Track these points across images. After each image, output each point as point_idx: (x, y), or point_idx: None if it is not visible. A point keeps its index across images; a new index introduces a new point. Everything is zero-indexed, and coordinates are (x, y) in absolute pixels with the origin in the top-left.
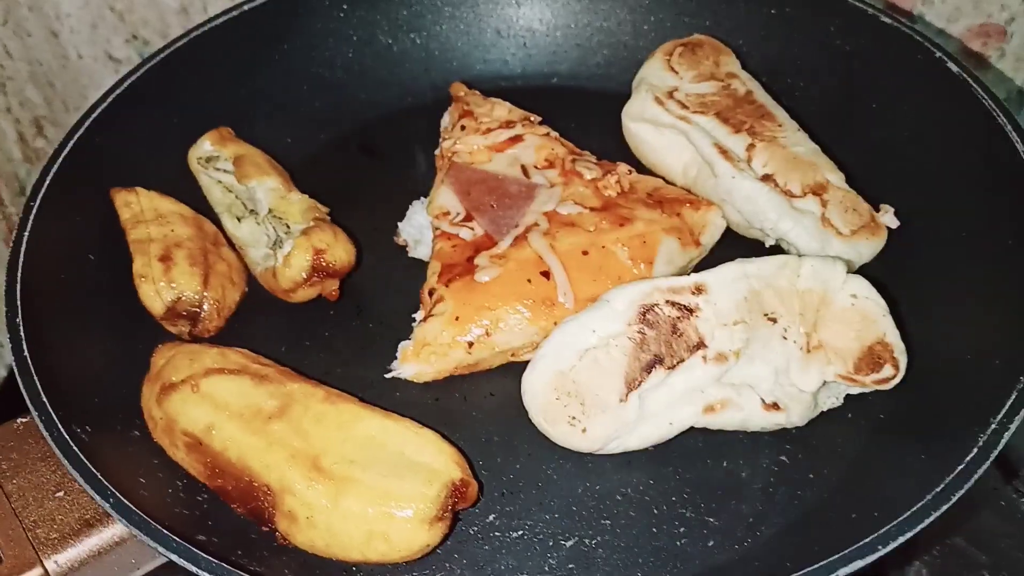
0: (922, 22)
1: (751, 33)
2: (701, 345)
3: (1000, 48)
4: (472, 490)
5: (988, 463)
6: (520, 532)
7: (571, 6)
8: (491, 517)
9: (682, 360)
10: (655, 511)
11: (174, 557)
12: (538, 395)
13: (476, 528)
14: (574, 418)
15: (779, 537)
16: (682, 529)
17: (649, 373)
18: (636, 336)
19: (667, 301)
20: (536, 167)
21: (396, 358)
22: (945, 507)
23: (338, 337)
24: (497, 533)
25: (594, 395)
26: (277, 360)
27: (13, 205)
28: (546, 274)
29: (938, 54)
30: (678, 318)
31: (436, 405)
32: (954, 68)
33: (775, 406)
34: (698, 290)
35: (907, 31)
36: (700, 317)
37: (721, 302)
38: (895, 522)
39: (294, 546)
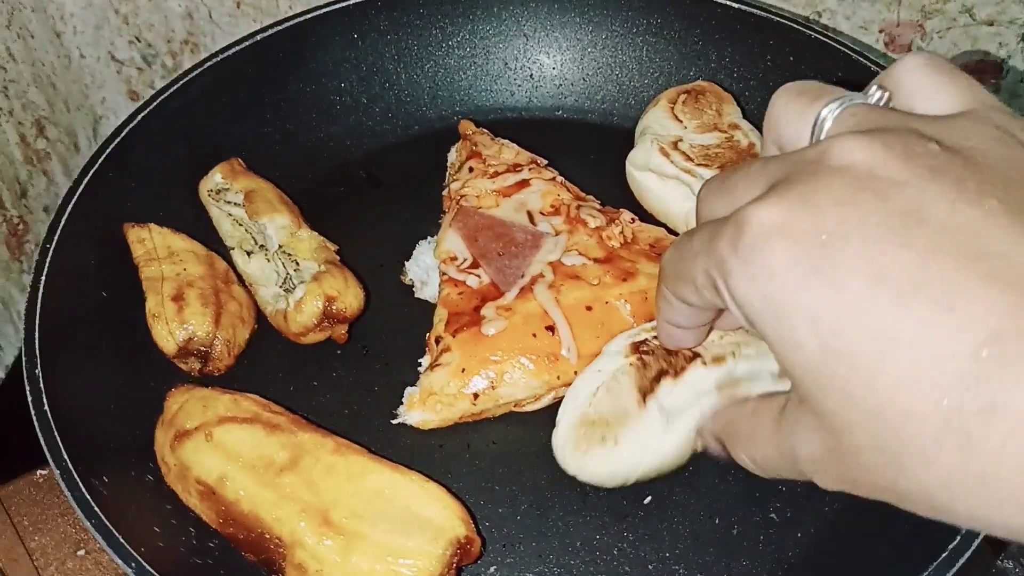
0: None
1: (754, 77)
2: (696, 356)
3: (995, 84)
4: (475, 547)
5: (972, 549)
6: None
7: (579, 41)
8: (492, 569)
9: (684, 368)
10: (649, 567)
11: None
12: (567, 439)
13: None
14: (603, 438)
15: None
16: None
17: (659, 383)
18: (637, 363)
19: (654, 336)
20: (542, 213)
21: (402, 403)
22: None
23: (345, 378)
24: None
25: (615, 413)
26: (285, 401)
27: (14, 208)
28: (551, 328)
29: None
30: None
31: (441, 452)
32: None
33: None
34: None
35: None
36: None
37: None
38: None
39: None
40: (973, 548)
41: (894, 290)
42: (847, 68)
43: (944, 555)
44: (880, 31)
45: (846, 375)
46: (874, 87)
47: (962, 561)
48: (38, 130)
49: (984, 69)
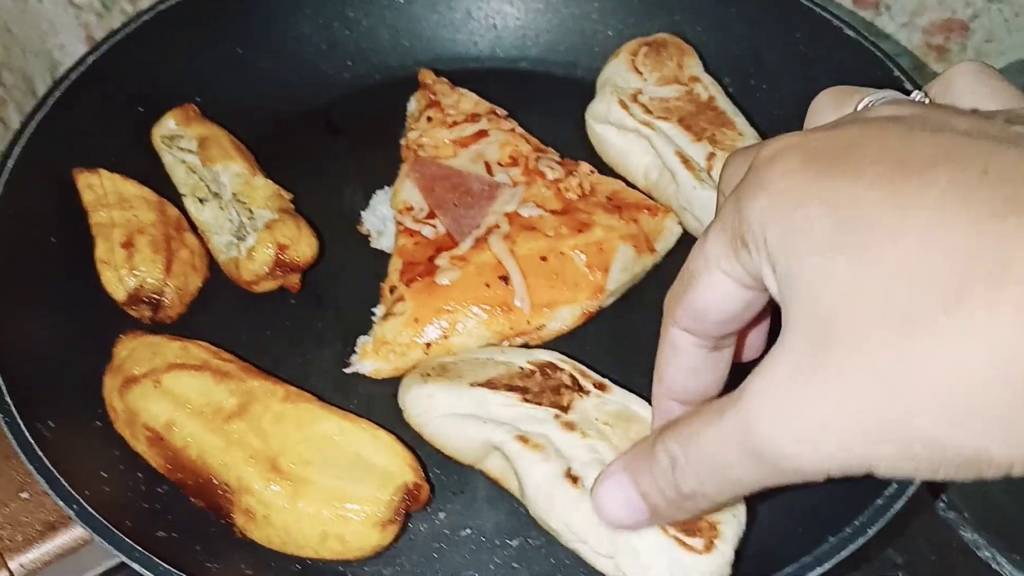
0: (888, 14)
1: (717, 31)
2: (562, 409)
3: (962, 43)
4: (424, 493)
5: (906, 496)
6: (468, 531)
7: None
8: (441, 515)
9: (539, 402)
10: None
11: (136, 566)
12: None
13: (426, 526)
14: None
15: None
16: None
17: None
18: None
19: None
20: (500, 164)
21: (355, 352)
22: (862, 540)
23: (298, 327)
24: (446, 531)
25: None
26: (237, 350)
27: None
28: (504, 279)
29: (896, 72)
30: (567, 385)
31: (393, 401)
32: (909, 88)
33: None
34: (600, 387)
35: (869, 46)
36: (584, 400)
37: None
38: (813, 554)
39: (251, 541)
40: (906, 497)
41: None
42: (812, 23)
43: (880, 501)
44: None
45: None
46: (918, 92)
47: (897, 506)
48: None
49: (950, 28)
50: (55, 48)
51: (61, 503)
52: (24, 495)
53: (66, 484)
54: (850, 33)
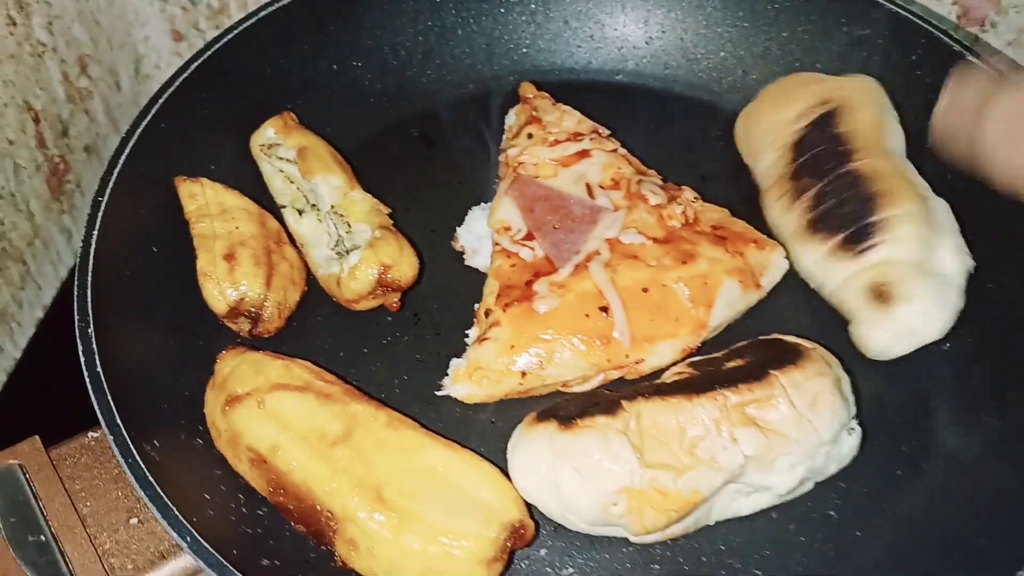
0: (993, 31)
1: (828, 52)
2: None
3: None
4: (529, 532)
5: None
6: (570, 570)
7: (643, 2)
8: (543, 552)
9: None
10: (703, 559)
11: None
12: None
13: (528, 562)
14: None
15: None
16: None
17: None
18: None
19: None
20: (601, 186)
21: (447, 375)
22: None
23: (396, 345)
24: (548, 570)
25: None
26: (335, 367)
27: (55, 147)
28: (604, 309)
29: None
30: None
31: (493, 428)
32: None
33: None
34: None
35: (978, 62)
36: None
37: None
38: None
39: (352, 570)
40: None
41: None
42: (928, 45)
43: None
44: (953, 3)
45: None
46: None
47: None
48: (81, 68)
49: None
50: (139, 41)
51: (174, 535)
52: (133, 521)
53: (177, 512)
54: (971, 59)
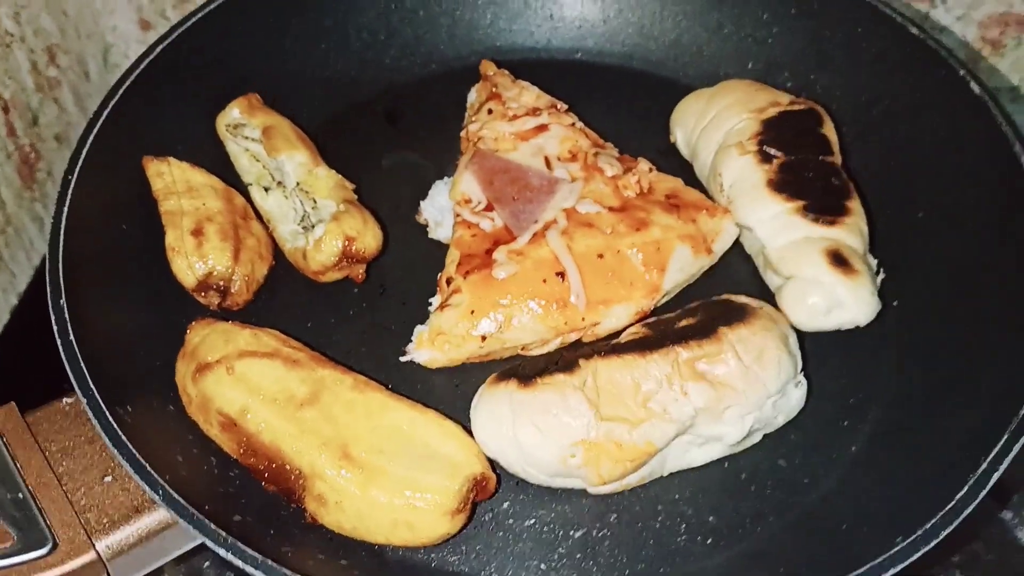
0: (943, 7)
1: (778, 25)
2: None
3: (1018, 37)
4: (491, 483)
5: (977, 501)
6: (532, 521)
7: None
8: (505, 505)
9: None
10: (659, 507)
11: (221, 551)
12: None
13: (491, 515)
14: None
15: (775, 538)
16: (683, 526)
17: None
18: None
19: None
20: (559, 159)
21: (412, 341)
22: (934, 542)
23: (362, 316)
24: (511, 521)
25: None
26: (303, 337)
27: (26, 136)
28: (561, 275)
29: (962, 72)
30: None
31: (456, 391)
32: (976, 89)
33: None
34: None
35: (933, 45)
36: None
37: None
38: (886, 555)
39: (322, 526)
40: (977, 501)
41: None
42: (871, 17)
43: (949, 506)
44: None
45: None
46: None
47: (966, 512)
48: (49, 57)
49: (1006, 22)
50: (108, 31)
51: (147, 488)
52: (107, 479)
53: (151, 469)
54: (914, 31)
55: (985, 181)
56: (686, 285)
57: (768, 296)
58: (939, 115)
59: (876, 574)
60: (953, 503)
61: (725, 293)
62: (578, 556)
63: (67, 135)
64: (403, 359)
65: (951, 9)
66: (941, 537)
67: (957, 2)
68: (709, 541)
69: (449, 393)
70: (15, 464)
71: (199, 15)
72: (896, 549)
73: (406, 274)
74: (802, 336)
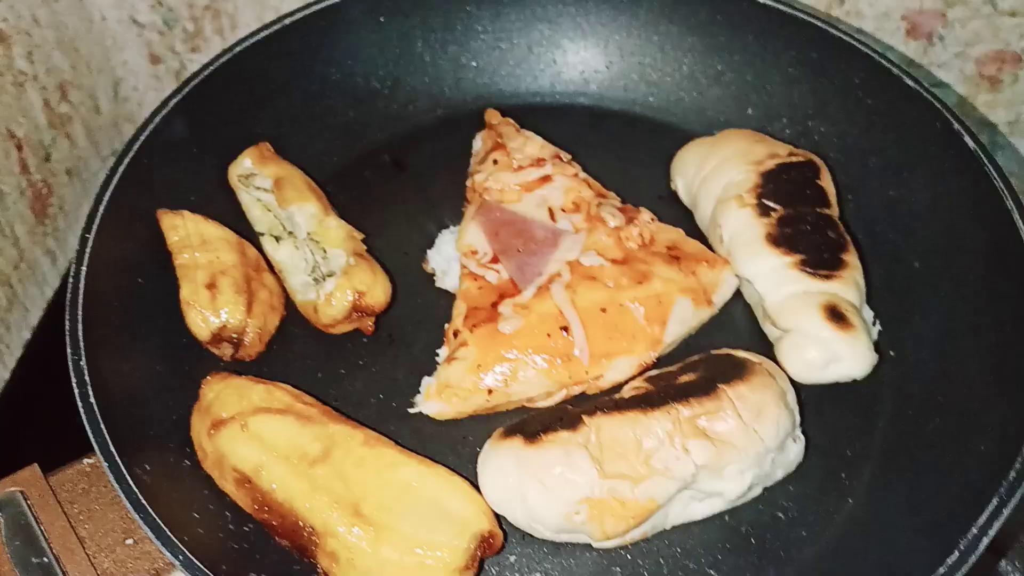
0: (941, 44)
1: (777, 74)
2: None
3: (1015, 74)
4: (498, 540)
5: (968, 566)
6: (538, 574)
7: (602, 27)
8: (512, 558)
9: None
10: (660, 561)
11: None
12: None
13: (497, 569)
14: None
15: None
16: None
17: None
18: None
19: None
20: (563, 210)
21: (420, 393)
22: None
23: (371, 366)
24: (516, 574)
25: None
26: (313, 388)
27: (38, 172)
28: (565, 329)
29: (956, 126)
30: None
31: (464, 443)
32: (970, 143)
33: None
34: None
35: (929, 98)
36: None
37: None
38: None
39: None
40: (974, 559)
41: None
42: (869, 68)
43: (943, 570)
44: (902, 19)
45: None
46: None
47: (964, 570)
48: (61, 94)
49: (1003, 59)
50: (119, 65)
51: (167, 553)
52: (129, 541)
53: (170, 533)
54: (910, 83)
55: (979, 235)
56: (687, 336)
57: (768, 346)
58: (934, 167)
59: None
60: (945, 568)
61: (726, 342)
62: None
63: (79, 169)
64: (412, 411)
65: (948, 47)
66: None
67: (954, 40)
68: None
69: (457, 446)
70: (40, 527)
71: (211, 67)
72: None
73: (414, 323)
74: (799, 388)
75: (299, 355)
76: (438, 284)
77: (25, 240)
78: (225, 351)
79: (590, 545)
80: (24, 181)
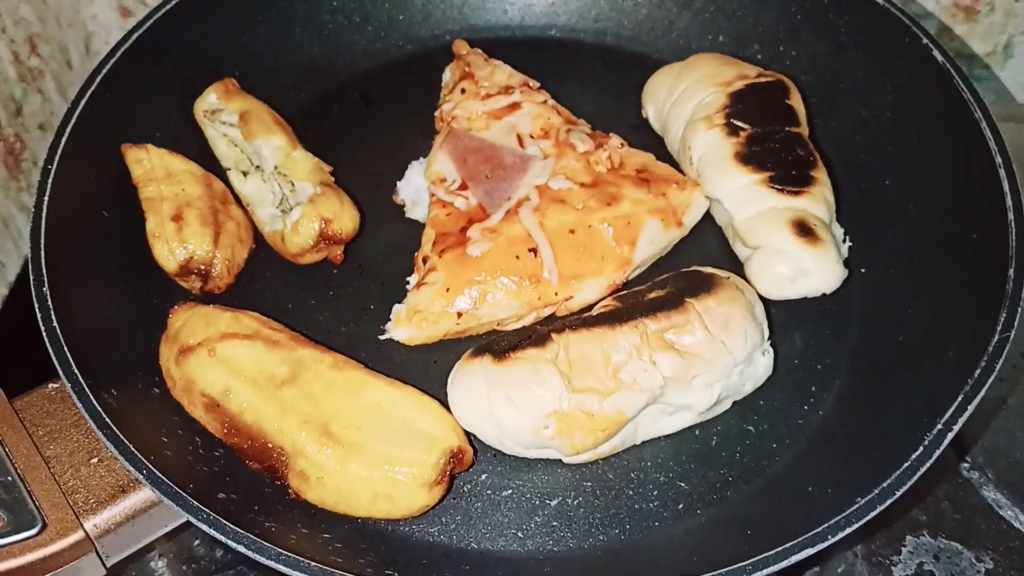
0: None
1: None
2: None
3: (990, 3)
4: (468, 456)
5: (932, 460)
6: (510, 491)
7: None
8: (483, 476)
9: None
10: (632, 475)
11: (204, 527)
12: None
13: (470, 486)
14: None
15: (745, 502)
16: (655, 492)
17: None
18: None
19: None
20: (532, 136)
21: (390, 320)
22: (889, 501)
23: (341, 296)
24: (489, 491)
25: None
26: (284, 319)
27: (10, 126)
28: (533, 251)
29: (925, 40)
30: None
31: (435, 367)
32: (939, 56)
33: None
34: None
35: (896, 13)
36: None
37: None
38: (843, 515)
39: (305, 501)
40: (932, 460)
41: None
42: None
43: (905, 466)
44: None
45: None
46: None
47: (922, 471)
48: (30, 47)
49: None
50: (88, 19)
51: (131, 468)
52: (94, 460)
53: (134, 450)
54: (879, 1)
55: (948, 149)
56: (658, 258)
57: (739, 267)
58: (904, 83)
59: (832, 533)
60: (909, 463)
61: (697, 263)
62: (554, 524)
63: (51, 124)
64: (382, 337)
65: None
66: (897, 496)
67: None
68: (680, 507)
69: (427, 369)
70: (4, 448)
71: (175, 1)
72: (853, 508)
73: (384, 254)
74: (770, 304)
75: (269, 287)
76: (408, 215)
77: None
78: (194, 284)
79: (561, 461)
80: None
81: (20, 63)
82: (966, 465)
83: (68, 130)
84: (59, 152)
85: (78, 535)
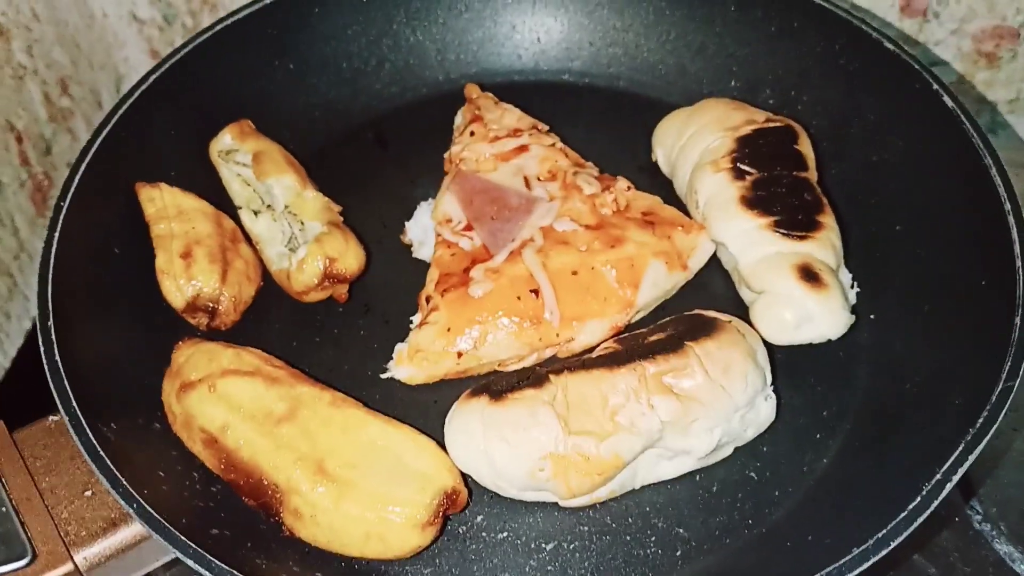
0: (936, 21)
1: (759, 44)
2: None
3: (1012, 50)
4: (462, 497)
5: (931, 510)
6: (505, 534)
7: (586, 4)
8: (479, 518)
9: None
10: (629, 520)
11: (191, 563)
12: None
13: (465, 527)
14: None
15: (743, 551)
16: (653, 538)
17: None
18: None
19: None
20: (539, 178)
21: (392, 359)
22: (884, 551)
23: (345, 335)
24: (484, 534)
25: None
26: (288, 356)
27: (39, 164)
28: (535, 292)
29: (935, 86)
30: None
31: (435, 408)
32: (948, 102)
33: None
34: None
35: (907, 59)
36: None
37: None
38: (836, 564)
39: (298, 539)
40: (930, 510)
41: None
42: (849, 33)
43: (904, 514)
44: None
45: None
46: None
47: (921, 520)
48: (62, 88)
49: (1000, 35)
50: (120, 62)
51: (122, 502)
52: (88, 493)
53: (126, 484)
54: (889, 46)
55: (958, 195)
56: (663, 301)
57: (745, 311)
58: (914, 128)
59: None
60: (906, 512)
61: (702, 307)
62: (549, 568)
63: None
64: (383, 376)
65: (943, 23)
66: (893, 546)
67: (949, 16)
68: (678, 553)
69: (428, 409)
70: (1, 480)
71: (193, 44)
72: (847, 558)
73: (390, 293)
74: (775, 349)
75: (274, 324)
76: (415, 254)
77: (25, 231)
78: (201, 320)
79: (558, 504)
80: (24, 173)
81: (51, 103)
82: (978, 517)
83: (83, 168)
84: (72, 189)
85: (67, 567)
